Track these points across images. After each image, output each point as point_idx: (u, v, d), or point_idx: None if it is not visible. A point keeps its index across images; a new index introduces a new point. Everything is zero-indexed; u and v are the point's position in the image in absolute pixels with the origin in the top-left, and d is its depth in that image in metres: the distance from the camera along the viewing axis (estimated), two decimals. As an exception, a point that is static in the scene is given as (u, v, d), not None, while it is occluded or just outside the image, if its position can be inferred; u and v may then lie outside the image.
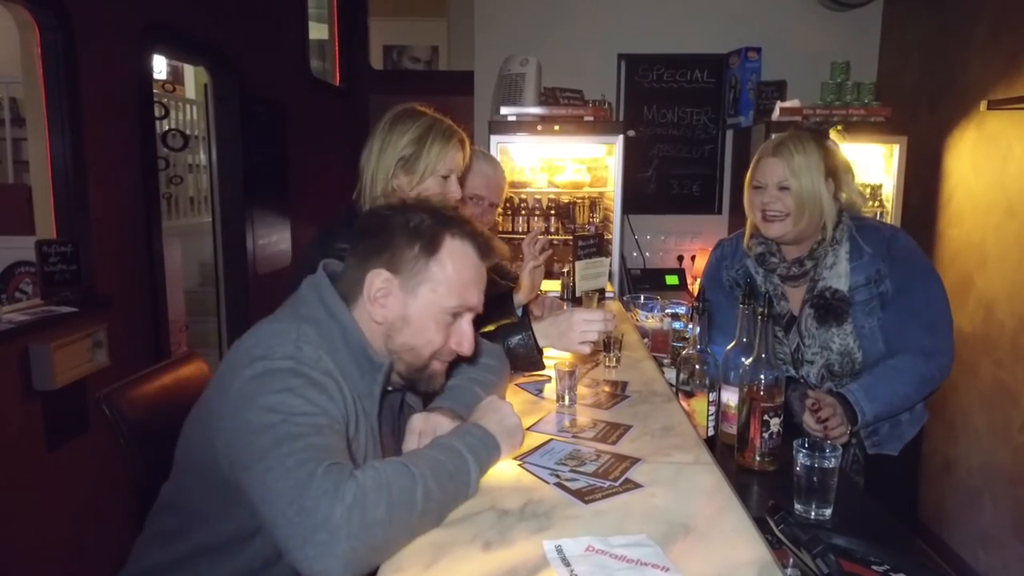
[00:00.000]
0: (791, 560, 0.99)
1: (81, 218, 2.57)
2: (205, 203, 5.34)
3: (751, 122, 3.56)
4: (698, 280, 3.22)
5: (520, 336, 1.63)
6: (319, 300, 1.15)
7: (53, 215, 2.52)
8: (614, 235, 3.19)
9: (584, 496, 1.05)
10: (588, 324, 1.60)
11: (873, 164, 3.36)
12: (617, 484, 1.09)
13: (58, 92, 2.47)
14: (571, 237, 2.49)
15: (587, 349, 1.62)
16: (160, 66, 5.28)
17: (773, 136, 1.95)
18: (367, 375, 1.14)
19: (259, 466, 0.92)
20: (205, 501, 1.10)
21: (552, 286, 2.51)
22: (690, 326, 1.66)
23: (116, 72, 2.85)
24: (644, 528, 0.96)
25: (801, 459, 1.24)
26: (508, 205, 3.39)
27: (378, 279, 1.13)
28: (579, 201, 3.49)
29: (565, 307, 2.11)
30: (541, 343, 1.63)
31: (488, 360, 1.43)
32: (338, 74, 6.02)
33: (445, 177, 1.67)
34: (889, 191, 3.29)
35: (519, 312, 1.95)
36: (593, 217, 3.50)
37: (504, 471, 1.14)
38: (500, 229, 3.26)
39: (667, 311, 2.21)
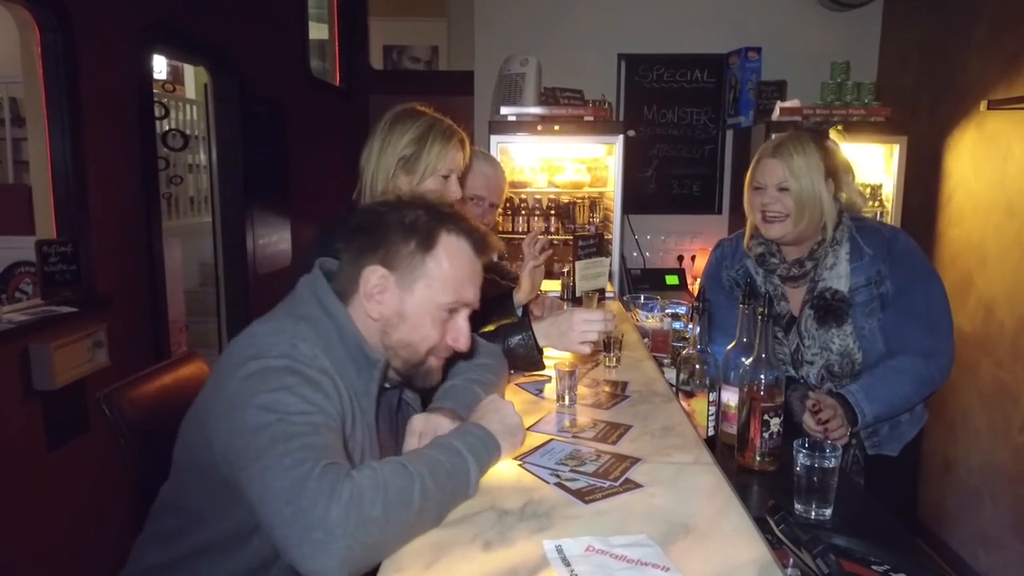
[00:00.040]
0: (791, 560, 0.99)
1: (81, 218, 2.57)
2: (205, 203, 5.34)
3: (751, 122, 3.56)
4: (698, 280, 3.22)
5: (520, 336, 1.63)
6: (315, 298, 1.16)
7: (53, 215, 2.52)
8: (614, 235, 3.19)
9: (584, 496, 1.05)
10: (588, 324, 1.60)
11: (873, 164, 3.36)
12: (617, 484, 1.09)
13: (58, 92, 2.47)
14: (571, 237, 2.49)
15: (587, 349, 1.62)
16: (160, 66, 5.28)
17: (773, 136, 1.95)
18: (364, 372, 1.14)
19: (256, 465, 0.92)
20: (204, 501, 1.10)
21: (552, 286, 2.51)
22: (690, 326, 1.66)
23: (116, 72, 2.85)
24: (644, 528, 0.96)
25: (801, 459, 1.24)
26: (508, 205, 3.39)
27: (374, 275, 1.13)
28: (579, 201, 3.49)
29: (565, 307, 2.11)
30: (541, 343, 1.63)
31: (487, 360, 1.43)
32: (338, 74, 6.02)
33: (445, 177, 1.67)
34: (889, 191, 3.29)
35: (519, 312, 1.95)
36: (593, 217, 3.50)
37: (504, 471, 1.14)
38: (500, 229, 3.26)
39: (667, 311, 2.21)
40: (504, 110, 3.12)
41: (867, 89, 3.34)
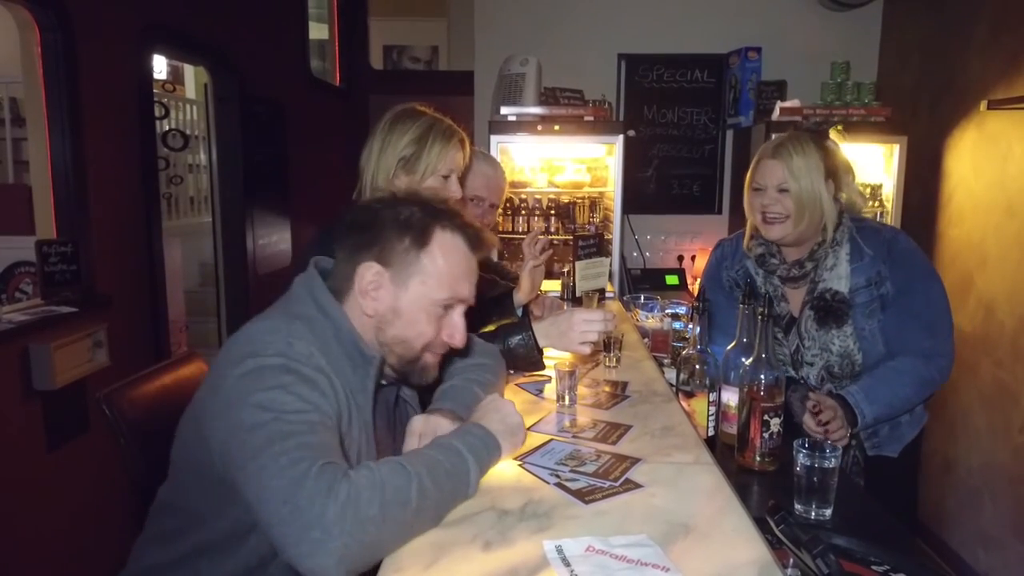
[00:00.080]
0: (791, 560, 0.99)
1: (81, 218, 2.57)
2: (205, 203, 5.34)
3: (751, 122, 3.56)
4: (698, 280, 3.22)
5: (520, 336, 1.63)
6: (310, 297, 1.16)
7: (53, 215, 2.52)
8: (614, 235, 3.19)
9: (584, 496, 1.05)
10: (588, 324, 1.60)
11: (873, 164, 3.36)
12: (617, 484, 1.09)
13: (58, 92, 2.47)
14: (571, 237, 2.49)
15: (587, 349, 1.62)
16: (160, 66, 5.28)
17: (773, 137, 1.95)
18: (360, 369, 1.15)
19: (253, 465, 0.92)
20: (202, 500, 1.10)
21: (552, 286, 2.51)
22: (690, 326, 1.66)
23: (116, 72, 2.85)
24: (644, 528, 0.96)
25: (801, 459, 1.24)
26: (508, 205, 3.39)
27: (369, 272, 1.14)
28: (579, 201, 3.49)
29: (565, 307, 2.11)
30: (541, 343, 1.63)
31: (484, 359, 1.43)
32: (338, 74, 6.02)
33: (446, 177, 1.67)
34: (889, 191, 3.29)
35: (519, 312, 1.95)
36: (593, 217, 3.50)
37: (504, 471, 1.14)
38: (500, 229, 3.26)
39: (667, 311, 2.21)
40: (504, 110, 3.12)
41: (867, 89, 3.34)
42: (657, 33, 3.85)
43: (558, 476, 1.12)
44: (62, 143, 2.49)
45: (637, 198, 3.74)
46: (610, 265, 2.46)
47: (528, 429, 1.30)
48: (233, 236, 4.07)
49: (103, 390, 1.34)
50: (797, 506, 1.25)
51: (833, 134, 2.70)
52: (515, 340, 1.62)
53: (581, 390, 1.54)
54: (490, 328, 1.69)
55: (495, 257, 2.96)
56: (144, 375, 1.46)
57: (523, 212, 3.46)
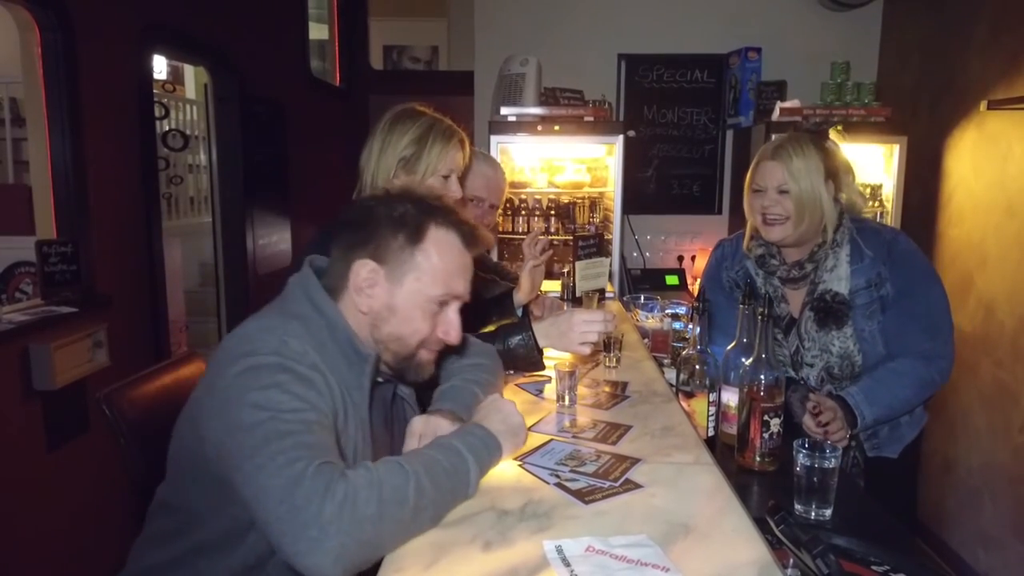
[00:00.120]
0: (791, 560, 0.99)
1: (81, 218, 2.57)
2: (205, 203, 5.34)
3: (751, 122, 3.56)
4: (698, 280, 3.22)
5: (520, 336, 1.63)
6: (305, 296, 1.16)
7: (53, 215, 2.52)
8: (614, 235, 3.19)
9: (584, 496, 1.05)
10: (588, 325, 1.60)
11: (873, 164, 3.36)
12: (617, 484, 1.09)
13: (58, 92, 2.47)
14: (571, 237, 2.49)
15: (587, 350, 1.62)
16: (160, 66, 5.28)
17: (773, 137, 1.95)
18: (355, 367, 1.15)
19: (250, 464, 0.92)
20: (199, 500, 1.10)
21: (552, 286, 2.51)
22: (690, 326, 1.66)
23: (116, 72, 2.85)
24: (644, 528, 0.96)
25: (801, 459, 1.24)
26: (508, 205, 3.39)
27: (364, 269, 1.14)
28: (579, 201, 3.49)
29: (565, 307, 2.11)
30: (541, 343, 1.63)
31: (482, 360, 1.43)
32: (338, 74, 6.02)
33: (446, 177, 1.67)
34: (889, 191, 3.29)
35: (519, 312, 1.95)
36: (593, 217, 3.49)
37: (504, 471, 1.14)
38: (500, 229, 3.26)
39: (667, 311, 2.21)
40: (504, 110, 3.12)
41: (867, 89, 3.34)
42: (657, 33, 3.85)
43: (558, 476, 1.12)
44: (62, 143, 2.49)
45: (637, 198, 3.74)
46: (610, 265, 2.46)
47: (528, 429, 1.30)
48: (233, 236, 4.07)
49: (103, 390, 1.34)
50: (797, 506, 1.25)
51: (833, 134, 2.71)
52: (515, 340, 1.62)
53: (581, 390, 1.55)
54: (490, 328, 1.69)
55: (495, 257, 2.96)
56: (144, 375, 1.46)
57: (523, 212, 3.46)
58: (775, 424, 1.39)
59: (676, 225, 3.97)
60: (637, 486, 1.09)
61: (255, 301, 4.06)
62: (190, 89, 5.62)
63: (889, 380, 1.65)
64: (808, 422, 1.57)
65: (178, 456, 1.16)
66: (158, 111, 3.88)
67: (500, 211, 2.43)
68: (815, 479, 1.23)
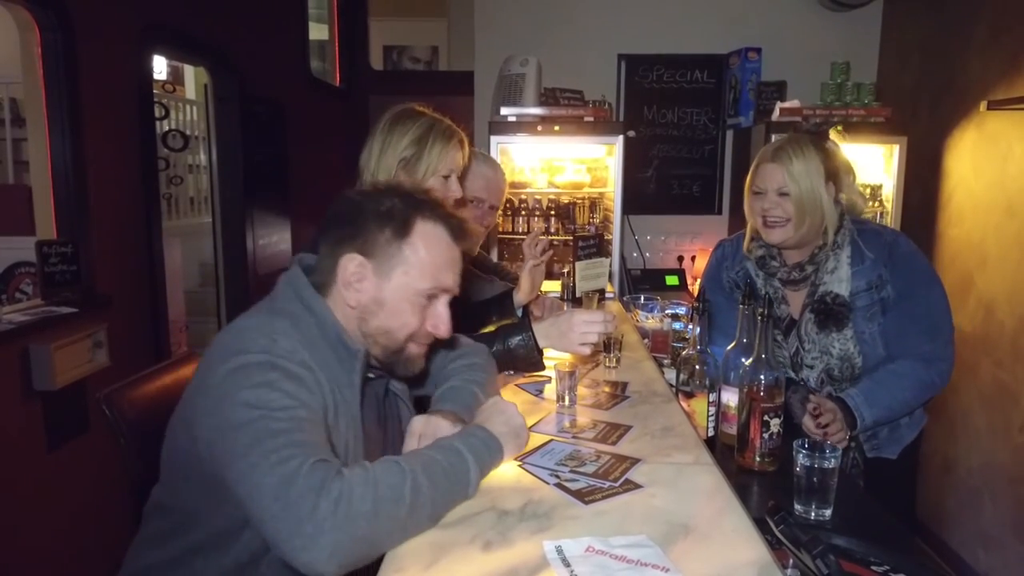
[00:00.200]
0: (791, 561, 0.99)
1: (81, 218, 2.57)
2: (205, 203, 5.34)
3: (751, 122, 3.56)
4: (698, 281, 3.22)
5: (520, 337, 1.63)
6: (294, 293, 1.16)
7: (53, 215, 2.52)
8: (614, 235, 3.19)
9: (584, 496, 1.05)
10: (588, 325, 1.60)
11: (873, 164, 3.36)
12: (617, 485, 1.09)
13: (58, 92, 2.47)
14: (571, 237, 2.49)
15: (587, 350, 1.62)
16: (160, 66, 5.28)
17: (773, 138, 1.94)
18: (345, 363, 1.15)
19: (243, 463, 0.93)
20: (193, 500, 1.10)
21: (552, 286, 2.51)
22: (690, 326, 1.66)
23: (116, 72, 2.85)
24: (644, 528, 0.96)
25: (801, 460, 1.24)
26: (508, 206, 3.39)
27: (352, 263, 1.14)
28: (579, 201, 3.49)
29: (565, 308, 2.11)
30: (541, 344, 1.63)
31: (476, 359, 1.43)
32: (338, 74, 6.02)
33: (446, 177, 1.67)
34: (889, 191, 3.29)
35: (519, 312, 1.95)
36: (593, 217, 3.50)
37: (504, 471, 1.14)
38: (500, 229, 3.26)
39: (667, 311, 2.21)
40: (504, 110, 3.12)
41: (867, 89, 3.34)
42: (657, 33, 3.85)
43: (558, 476, 1.12)
44: (62, 143, 2.49)
45: (637, 198, 3.74)
46: (610, 265, 2.46)
47: (528, 429, 1.30)
48: (233, 236, 4.07)
49: (103, 390, 1.34)
50: (797, 506, 1.25)
51: (833, 134, 2.70)
52: (515, 340, 1.62)
53: (581, 390, 1.55)
54: (490, 328, 1.69)
55: (495, 257, 2.96)
56: (144, 375, 1.46)
57: (523, 212, 3.46)
58: (775, 424, 1.39)
59: (676, 225, 3.97)
60: (637, 486, 1.09)
61: (255, 301, 4.02)
62: (190, 89, 5.63)
63: (889, 382, 1.65)
64: (808, 423, 1.57)
65: (171, 456, 1.16)
66: (158, 111, 3.88)
67: (500, 211, 2.44)
68: (815, 479, 1.23)
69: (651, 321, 2.15)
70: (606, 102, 3.47)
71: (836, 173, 1.73)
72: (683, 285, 3.58)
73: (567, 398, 1.47)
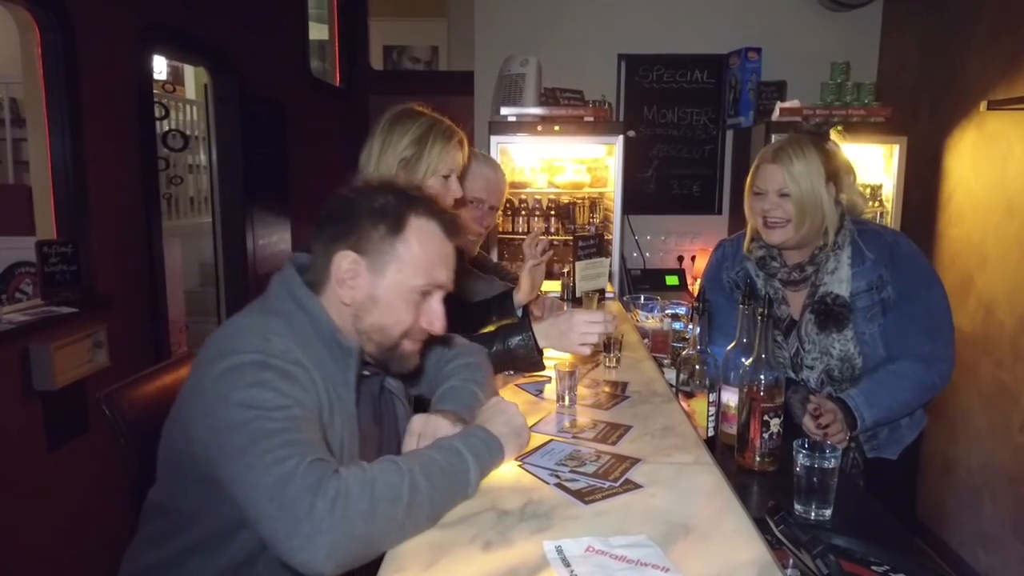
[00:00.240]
0: (791, 560, 0.99)
1: (81, 218, 2.57)
2: (205, 203, 5.34)
3: (751, 122, 3.56)
4: (698, 280, 3.22)
5: (520, 337, 1.63)
6: (287, 293, 1.16)
7: (53, 215, 2.52)
8: (614, 235, 3.19)
9: (584, 496, 1.05)
10: (589, 326, 1.59)
11: (873, 164, 3.36)
12: (617, 484, 1.10)
13: (58, 92, 2.47)
14: (571, 237, 2.49)
15: (587, 351, 1.62)
16: (160, 66, 5.28)
17: (773, 138, 1.94)
18: (339, 361, 1.15)
19: (239, 463, 0.93)
20: (189, 500, 1.11)
21: (552, 286, 2.51)
22: (690, 326, 1.66)
23: (116, 72, 2.85)
24: (644, 528, 0.96)
25: (801, 459, 1.24)
26: (508, 205, 3.39)
27: (345, 261, 1.14)
28: (579, 201, 3.49)
29: (565, 307, 2.11)
30: (541, 344, 1.63)
31: (471, 358, 1.43)
32: (338, 74, 6.02)
33: (446, 177, 1.67)
34: (889, 191, 3.29)
35: (519, 312, 1.95)
36: (593, 217, 3.50)
37: (504, 471, 1.14)
38: (500, 229, 3.26)
39: (667, 311, 2.21)
40: (504, 110, 3.12)
41: (867, 89, 3.34)
42: (657, 33, 3.85)
43: (558, 476, 1.12)
44: (62, 143, 2.49)
45: (637, 198, 3.74)
46: (610, 265, 2.46)
47: (528, 429, 1.30)
48: (233, 236, 4.07)
49: (103, 390, 1.34)
50: (797, 506, 1.25)
51: (834, 135, 2.70)
52: (515, 340, 1.62)
53: (581, 390, 1.55)
54: (490, 328, 1.69)
55: (495, 257, 2.96)
56: (144, 375, 1.46)
57: (523, 212, 3.46)
58: (775, 424, 1.39)
59: (676, 225, 3.97)
60: (637, 486, 1.09)
61: (255, 301, 4.05)
62: (190, 89, 5.62)
63: (889, 382, 1.65)
64: (808, 424, 1.57)
65: (167, 457, 1.16)
66: (158, 111, 3.88)
67: (500, 211, 2.44)
68: (815, 479, 1.23)
69: (651, 321, 2.15)
70: (606, 102, 3.47)
71: (837, 173, 1.73)
72: (683, 285, 3.58)
73: (567, 398, 1.47)
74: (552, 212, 3.50)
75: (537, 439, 1.28)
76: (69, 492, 2.49)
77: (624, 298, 2.72)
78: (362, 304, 1.16)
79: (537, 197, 3.50)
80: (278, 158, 4.50)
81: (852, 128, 3.12)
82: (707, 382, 1.53)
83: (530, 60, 3.21)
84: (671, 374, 1.72)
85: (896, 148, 3.22)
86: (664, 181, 3.97)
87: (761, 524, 1.00)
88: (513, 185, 3.29)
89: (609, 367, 1.76)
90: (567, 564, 0.87)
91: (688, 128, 3.94)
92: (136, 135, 2.98)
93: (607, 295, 2.50)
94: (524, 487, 1.09)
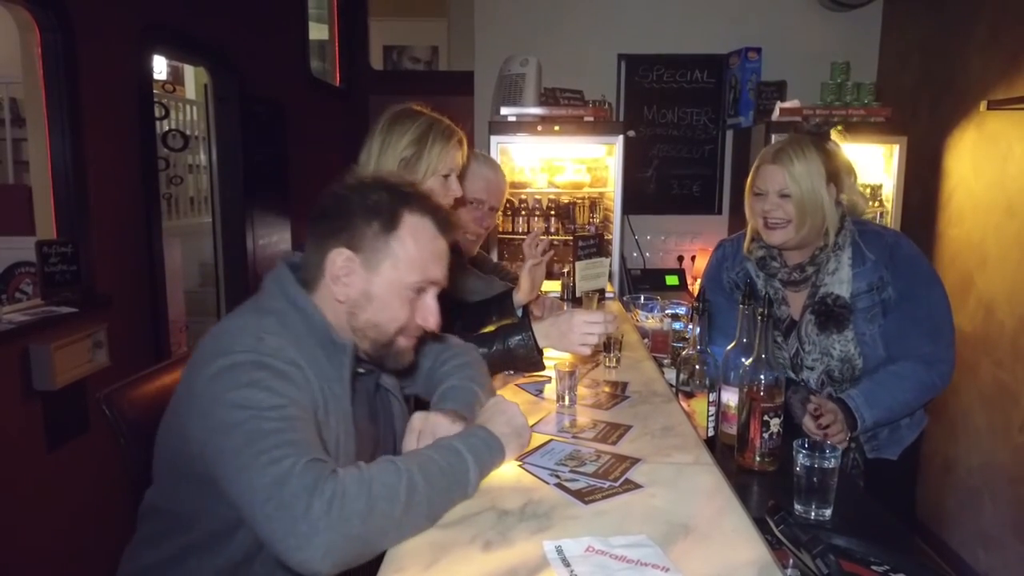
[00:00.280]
0: (791, 560, 0.99)
1: (81, 218, 2.57)
2: (205, 203, 5.34)
3: (751, 122, 3.56)
4: (698, 280, 3.22)
5: (520, 336, 1.63)
6: (280, 291, 1.16)
7: (53, 215, 2.52)
8: (614, 235, 3.19)
9: (584, 496, 1.05)
10: (589, 326, 1.59)
11: (873, 164, 3.36)
12: (617, 484, 1.09)
13: (58, 92, 2.47)
14: (571, 237, 2.49)
15: (587, 351, 1.62)
16: (160, 66, 5.28)
17: (773, 138, 1.94)
18: (334, 359, 1.15)
19: (235, 464, 0.93)
20: (186, 500, 1.11)
21: (552, 286, 2.51)
22: (690, 326, 1.66)
23: (116, 72, 2.85)
24: (644, 528, 0.96)
25: (801, 459, 1.24)
26: (508, 206, 3.39)
27: (340, 258, 1.14)
28: (579, 201, 3.49)
29: (565, 307, 2.11)
30: (541, 344, 1.63)
31: (467, 357, 1.43)
32: (338, 74, 6.02)
33: (446, 176, 1.67)
34: (889, 191, 3.29)
35: (519, 312, 1.95)
36: (593, 217, 3.50)
37: (504, 471, 1.14)
38: (500, 229, 3.26)
39: (667, 311, 2.21)
40: (504, 110, 3.12)
41: (867, 89, 3.34)
42: (657, 33, 3.85)
43: (558, 476, 1.12)
44: (62, 143, 2.49)
45: (637, 198, 3.74)
46: (610, 265, 2.46)
47: (529, 429, 1.30)
48: (233, 236, 4.07)
49: (103, 390, 1.34)
50: (797, 506, 1.25)
51: (834, 135, 2.70)
52: (515, 340, 1.62)
53: (581, 390, 1.55)
54: (490, 328, 1.69)
55: (495, 257, 2.96)
56: (144, 375, 1.46)
57: (523, 212, 3.46)
58: (775, 424, 1.39)
59: (676, 225, 3.97)
60: (637, 486, 1.09)
61: (255, 301, 4.05)
62: (190, 89, 5.62)
63: (890, 383, 1.65)
64: (808, 424, 1.57)
65: (163, 458, 1.16)
66: (158, 111, 3.88)
67: (500, 212, 2.44)
68: (815, 479, 1.23)
69: (651, 321, 2.15)
70: (606, 102, 3.47)
71: (837, 174, 1.73)
72: (683, 285, 3.58)
73: (567, 398, 1.47)
74: (552, 212, 3.50)
75: (537, 439, 1.28)
76: (69, 492, 2.49)
77: (624, 298, 2.72)
78: (356, 301, 1.15)
79: (537, 197, 3.50)
80: (278, 158, 4.50)
81: (852, 128, 3.12)
82: (707, 382, 1.53)
83: (530, 60, 3.21)
84: (671, 374, 1.72)
85: (896, 148, 3.22)
86: (664, 181, 3.97)
87: (761, 524, 1.00)
88: (513, 185, 3.29)
89: (609, 367, 1.76)
90: (567, 564, 0.87)
91: (688, 128, 3.94)
92: (136, 135, 2.98)
93: (607, 295, 2.50)
94: (524, 487, 1.09)
